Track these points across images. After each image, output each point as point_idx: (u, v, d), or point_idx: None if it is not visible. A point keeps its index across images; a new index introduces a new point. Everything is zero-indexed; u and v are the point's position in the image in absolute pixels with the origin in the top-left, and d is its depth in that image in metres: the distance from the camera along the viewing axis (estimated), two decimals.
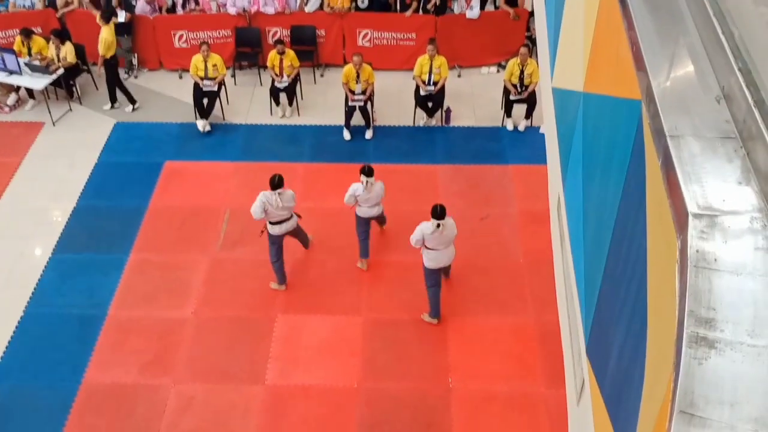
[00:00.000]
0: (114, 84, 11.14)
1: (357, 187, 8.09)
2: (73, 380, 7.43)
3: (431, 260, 7.60)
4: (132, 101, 11.25)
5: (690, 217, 1.80)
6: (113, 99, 11.24)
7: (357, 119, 10.70)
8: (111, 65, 10.94)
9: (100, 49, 10.73)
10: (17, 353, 7.72)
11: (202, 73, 10.61)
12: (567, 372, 3.97)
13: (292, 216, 8.03)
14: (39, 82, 10.81)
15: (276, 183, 7.71)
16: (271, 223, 7.94)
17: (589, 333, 3.12)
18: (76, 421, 7.09)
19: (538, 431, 7.05)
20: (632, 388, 2.17)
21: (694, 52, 2.24)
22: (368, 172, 8.02)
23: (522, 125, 10.89)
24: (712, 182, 1.87)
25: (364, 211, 8.30)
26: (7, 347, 7.76)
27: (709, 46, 2.22)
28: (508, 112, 10.89)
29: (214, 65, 10.61)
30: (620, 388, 2.41)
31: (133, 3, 11.78)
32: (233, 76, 11.86)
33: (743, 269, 1.75)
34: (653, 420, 1.85)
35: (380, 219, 8.72)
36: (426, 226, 7.35)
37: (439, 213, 7.25)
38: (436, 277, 7.76)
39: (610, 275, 2.77)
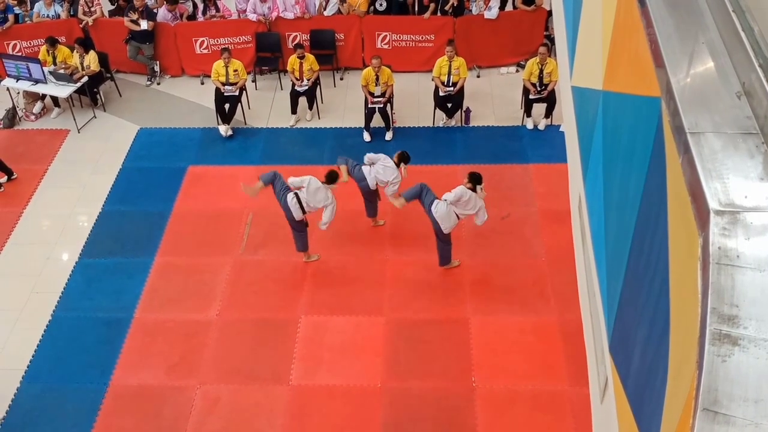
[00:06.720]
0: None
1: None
2: (101, 382, 7.54)
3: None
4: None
5: (712, 214, 1.79)
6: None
7: (377, 121, 10.72)
8: None
9: None
10: (46, 356, 7.85)
11: (223, 79, 10.71)
12: (590, 370, 3.96)
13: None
14: (64, 91, 10.99)
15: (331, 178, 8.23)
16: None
17: (612, 331, 3.12)
18: (104, 422, 7.19)
19: (562, 430, 7.02)
20: (656, 385, 2.17)
21: (714, 49, 2.23)
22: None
23: (542, 124, 10.85)
24: (733, 179, 1.86)
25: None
26: (35, 351, 7.90)
27: (728, 42, 2.21)
28: (527, 111, 10.85)
29: (235, 70, 10.70)
30: (644, 386, 2.40)
31: (155, 11, 11.92)
32: (254, 80, 11.95)
33: (766, 266, 1.74)
34: (677, 417, 1.85)
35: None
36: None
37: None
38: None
39: (632, 273, 2.76)
